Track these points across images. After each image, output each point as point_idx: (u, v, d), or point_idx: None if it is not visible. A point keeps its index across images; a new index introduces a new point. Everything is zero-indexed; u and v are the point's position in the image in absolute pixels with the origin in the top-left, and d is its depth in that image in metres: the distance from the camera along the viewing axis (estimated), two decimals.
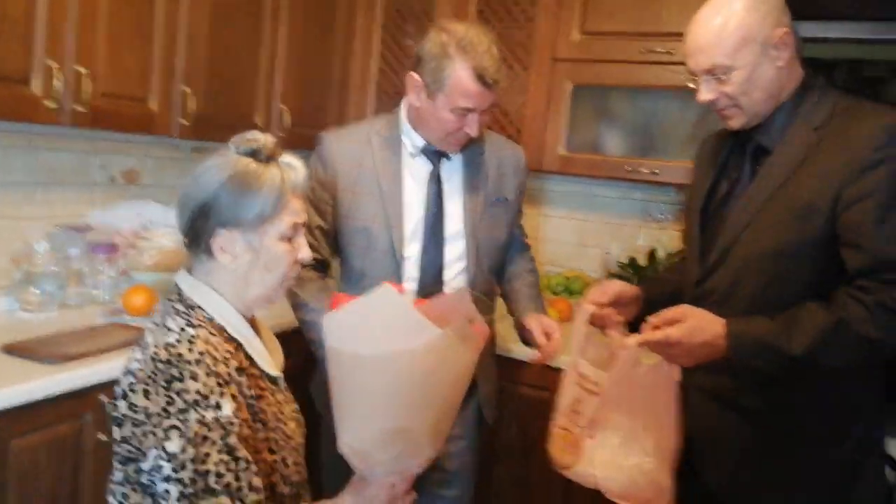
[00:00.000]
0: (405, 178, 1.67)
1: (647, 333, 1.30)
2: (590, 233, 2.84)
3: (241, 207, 1.07)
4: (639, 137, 2.47)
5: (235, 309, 1.14)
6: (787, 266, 1.27)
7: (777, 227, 1.29)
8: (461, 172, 1.71)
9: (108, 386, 1.64)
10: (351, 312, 1.13)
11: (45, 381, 1.52)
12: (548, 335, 1.59)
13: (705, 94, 1.33)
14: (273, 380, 1.19)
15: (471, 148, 1.70)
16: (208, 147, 2.34)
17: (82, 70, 1.76)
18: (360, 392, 1.14)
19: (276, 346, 1.26)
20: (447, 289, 1.67)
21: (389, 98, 2.79)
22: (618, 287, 1.50)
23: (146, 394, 1.01)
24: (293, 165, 1.14)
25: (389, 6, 2.75)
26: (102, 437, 1.64)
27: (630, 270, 2.57)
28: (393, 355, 1.08)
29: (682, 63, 1.43)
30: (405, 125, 1.68)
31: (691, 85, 1.37)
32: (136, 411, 1.01)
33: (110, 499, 1.09)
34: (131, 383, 1.03)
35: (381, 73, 2.80)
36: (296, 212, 1.13)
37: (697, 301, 1.39)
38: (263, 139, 1.12)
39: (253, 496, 1.02)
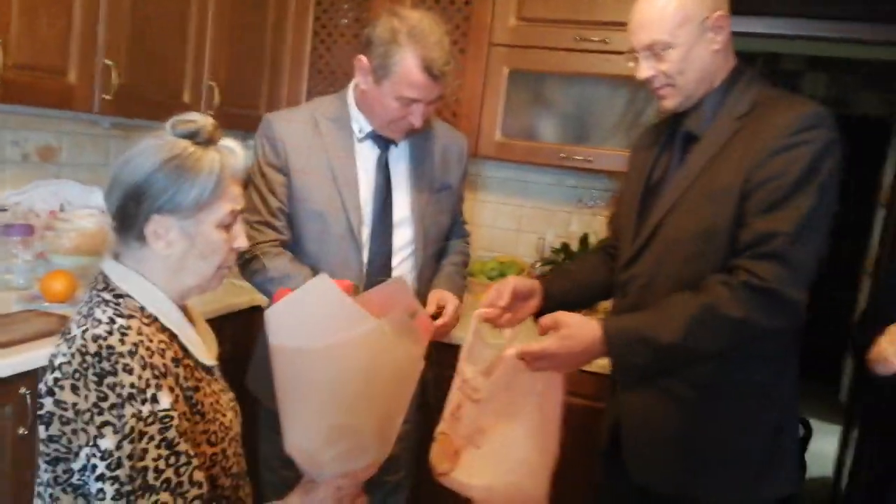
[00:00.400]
0: (356, 161, 1.66)
1: (527, 346, 1.30)
2: (525, 218, 2.88)
3: (177, 193, 1.04)
4: (573, 125, 2.51)
5: (168, 297, 1.10)
6: (705, 248, 1.32)
7: (696, 210, 1.33)
8: (408, 159, 1.70)
9: (28, 377, 1.56)
10: (289, 304, 1.10)
11: None
12: (440, 310, 1.59)
13: (644, 70, 1.36)
14: (208, 369, 1.16)
15: (418, 134, 1.70)
16: (130, 124, 2.26)
17: None
18: (302, 387, 1.12)
19: (210, 334, 1.23)
20: (394, 275, 1.66)
21: (324, 78, 2.74)
22: (512, 285, 1.48)
23: (74, 389, 0.97)
24: (233, 150, 1.11)
25: None
26: (23, 432, 1.56)
27: (563, 255, 2.63)
28: (330, 347, 1.07)
29: (617, 52, 1.47)
30: (353, 109, 1.66)
31: (631, 64, 1.40)
32: (64, 408, 0.97)
33: (37, 501, 1.04)
34: (57, 379, 0.99)
35: (314, 51, 2.74)
36: (234, 198, 1.10)
37: (625, 284, 1.44)
38: (203, 121, 1.08)
39: (195, 490, 1.00)
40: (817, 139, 1.25)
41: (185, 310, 1.15)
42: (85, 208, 2.21)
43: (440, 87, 1.54)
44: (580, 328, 1.29)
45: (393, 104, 1.54)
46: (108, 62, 1.96)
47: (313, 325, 1.07)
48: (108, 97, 1.97)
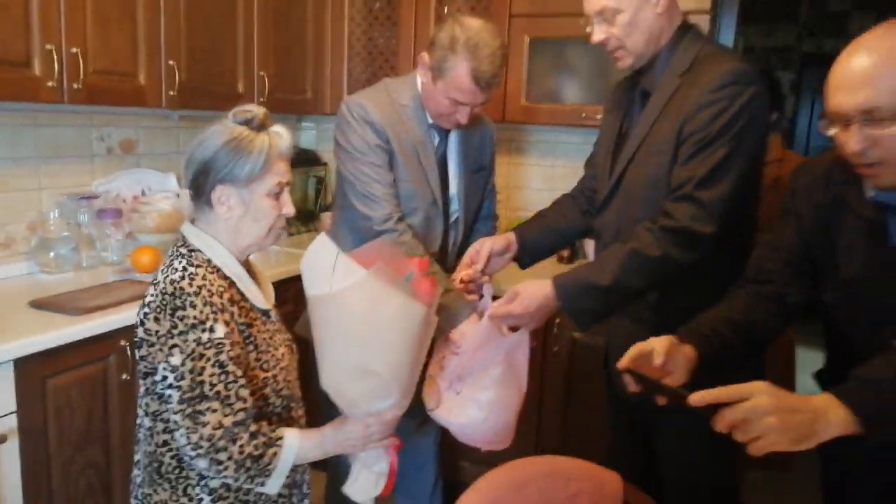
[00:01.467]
0: (431, 142, 1.85)
1: (493, 309, 1.55)
2: (557, 178, 3.05)
3: (235, 167, 1.26)
4: (592, 86, 2.66)
5: (230, 252, 1.32)
6: (653, 194, 1.49)
7: (647, 161, 1.50)
8: (456, 143, 1.89)
9: (126, 332, 1.88)
10: (307, 259, 1.32)
11: (71, 329, 1.76)
12: (471, 262, 1.76)
13: (597, 34, 1.52)
14: (264, 312, 1.38)
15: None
16: (195, 115, 2.56)
17: (76, 50, 1.94)
18: (325, 330, 1.30)
19: (269, 286, 1.44)
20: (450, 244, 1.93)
21: (361, 60, 2.97)
22: (489, 246, 1.71)
23: (156, 320, 1.22)
24: (280, 133, 1.31)
25: None
26: (125, 377, 1.89)
27: None
28: (334, 295, 1.25)
29: None
30: (421, 98, 1.83)
31: (588, 30, 1.56)
32: (149, 334, 1.23)
33: (139, 410, 1.34)
34: (146, 313, 1.24)
35: (351, 35, 2.96)
36: (281, 172, 1.31)
37: (600, 230, 1.64)
38: (256, 110, 1.30)
39: (239, 404, 1.23)
40: (736, 94, 1.39)
41: (248, 265, 1.38)
42: (162, 192, 2.54)
43: (487, 95, 1.71)
44: (534, 290, 1.51)
45: (444, 101, 1.71)
46: (171, 62, 2.25)
47: (322, 276, 1.26)
48: (173, 93, 2.27)
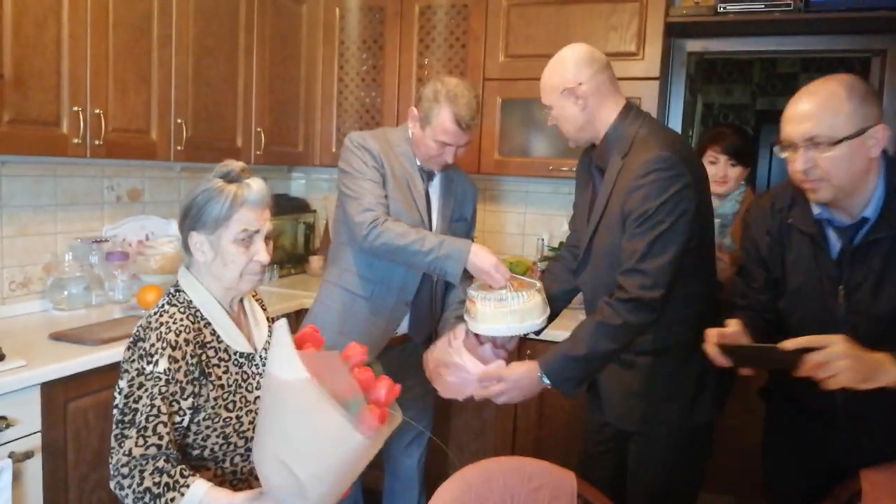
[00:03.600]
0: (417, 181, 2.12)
1: (485, 391, 1.73)
2: (528, 223, 3.33)
3: (202, 214, 1.37)
4: (558, 142, 2.95)
5: (212, 295, 1.41)
6: (614, 261, 1.71)
7: (606, 232, 1.74)
8: (438, 192, 2.18)
9: None
10: (273, 333, 1.24)
11: (90, 357, 1.95)
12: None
13: (549, 121, 1.80)
14: (246, 355, 1.45)
15: (446, 175, 2.18)
16: (195, 167, 2.80)
17: (98, 111, 2.19)
18: (263, 406, 1.24)
19: (261, 330, 1.52)
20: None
21: (349, 116, 3.25)
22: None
23: (128, 349, 1.36)
24: (249, 185, 1.39)
25: (346, 38, 3.21)
26: None
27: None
28: (271, 377, 1.18)
29: None
30: (411, 144, 2.12)
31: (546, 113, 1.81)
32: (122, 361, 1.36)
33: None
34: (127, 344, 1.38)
35: (340, 95, 3.26)
36: (247, 220, 1.38)
37: (581, 287, 1.90)
38: (234, 165, 1.41)
39: (154, 439, 1.26)
40: (656, 180, 1.61)
41: (244, 306, 1.50)
42: (165, 237, 2.76)
43: (468, 136, 2.03)
44: (519, 375, 1.70)
45: (432, 145, 2.02)
46: (179, 121, 2.51)
47: (272, 355, 1.18)
48: (180, 148, 2.52)
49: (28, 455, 1.78)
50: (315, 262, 3.45)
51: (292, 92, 3.15)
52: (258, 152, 2.92)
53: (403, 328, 2.18)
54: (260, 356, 1.48)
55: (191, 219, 1.38)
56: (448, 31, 3.02)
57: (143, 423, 1.26)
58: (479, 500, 1.37)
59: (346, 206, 2.03)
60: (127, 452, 1.25)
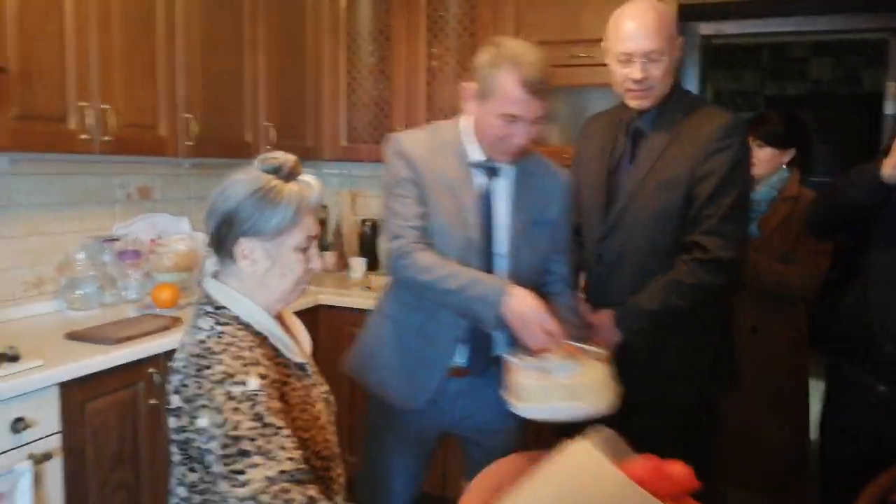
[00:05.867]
0: (471, 184, 1.69)
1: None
2: None
3: (261, 219, 1.17)
4: (572, 129, 2.92)
5: (258, 306, 1.23)
6: (664, 225, 1.75)
7: (656, 194, 1.75)
8: (509, 191, 1.72)
9: (152, 361, 2.06)
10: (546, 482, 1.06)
11: (107, 356, 1.92)
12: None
13: (639, 72, 1.73)
14: (300, 366, 1.29)
15: (521, 168, 1.72)
16: (205, 163, 2.77)
17: (106, 107, 2.16)
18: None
19: (304, 334, 1.37)
20: None
21: (357, 109, 3.21)
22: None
23: (185, 386, 1.15)
24: (310, 184, 1.23)
25: (352, 29, 3.17)
26: (153, 402, 2.05)
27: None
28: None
29: (602, 64, 1.86)
30: (464, 135, 1.71)
31: (626, 71, 1.77)
32: (183, 400, 1.15)
33: (172, 479, 1.23)
34: (179, 379, 1.16)
35: (348, 87, 3.22)
36: (310, 226, 1.24)
37: (600, 254, 1.84)
38: (285, 158, 1.23)
39: (285, 454, 1.08)
40: (736, 144, 1.71)
41: (280, 316, 1.29)
42: (176, 234, 2.73)
43: (539, 104, 1.57)
44: (603, 322, 1.76)
45: (497, 122, 1.58)
46: (187, 116, 2.47)
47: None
48: (189, 143, 2.49)
49: (47, 456, 1.75)
50: (327, 258, 3.41)
51: (300, 85, 3.11)
52: (268, 147, 2.87)
53: (461, 359, 1.74)
54: (307, 366, 1.33)
55: (239, 224, 1.18)
56: (456, 20, 2.98)
57: (266, 447, 1.07)
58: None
59: (386, 228, 1.72)
60: (261, 480, 1.05)
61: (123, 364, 1.96)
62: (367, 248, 3.48)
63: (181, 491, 1.20)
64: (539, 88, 1.56)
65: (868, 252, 1.75)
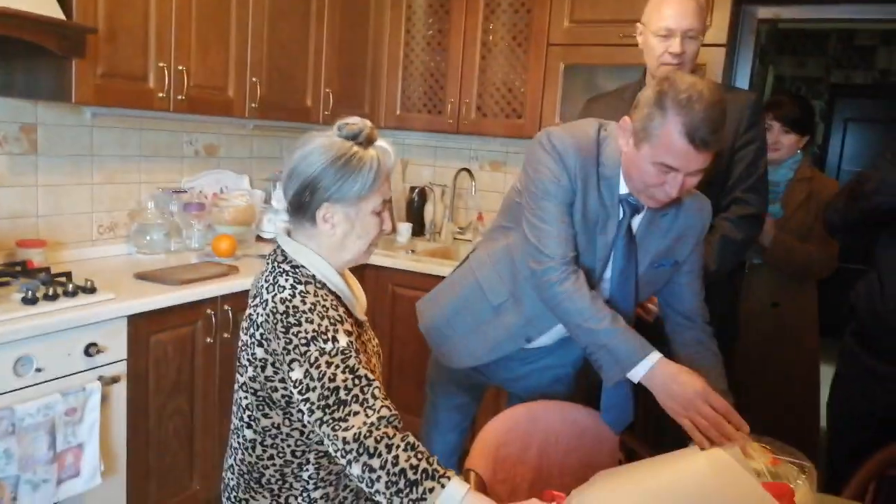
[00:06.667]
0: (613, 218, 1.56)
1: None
2: None
3: (343, 185, 1.21)
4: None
5: (332, 267, 1.28)
6: (711, 189, 1.84)
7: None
8: (641, 229, 1.58)
9: (210, 301, 2.25)
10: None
11: (171, 295, 2.12)
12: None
13: (678, 46, 1.83)
14: (360, 323, 1.35)
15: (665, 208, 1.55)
16: (266, 125, 2.94)
17: (181, 68, 2.34)
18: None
19: (362, 294, 1.41)
20: None
21: (412, 79, 3.33)
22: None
23: (268, 342, 1.19)
24: (387, 150, 1.26)
25: (412, 1, 3.28)
26: (209, 340, 2.25)
27: None
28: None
29: None
30: (619, 167, 1.53)
31: (665, 44, 1.86)
32: (269, 354, 1.20)
33: (235, 420, 1.31)
34: (261, 334, 1.21)
35: (405, 58, 3.34)
36: (386, 190, 1.27)
37: None
38: (362, 124, 1.24)
39: (380, 403, 1.12)
40: (763, 118, 1.90)
41: (343, 276, 1.33)
42: (237, 190, 2.93)
43: (703, 158, 1.38)
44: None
45: (650, 169, 1.41)
46: (254, 79, 2.64)
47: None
48: (255, 105, 2.66)
49: (115, 380, 1.96)
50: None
51: (360, 55, 3.24)
52: (326, 112, 3.03)
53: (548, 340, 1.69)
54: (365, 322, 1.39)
55: (323, 190, 1.21)
56: None
57: (361, 396, 1.12)
58: (525, 436, 1.46)
59: (528, 230, 1.55)
60: (361, 425, 1.09)
61: (185, 303, 2.16)
62: (415, 214, 3.62)
63: (248, 433, 1.26)
64: (705, 140, 1.35)
65: (886, 244, 1.81)
